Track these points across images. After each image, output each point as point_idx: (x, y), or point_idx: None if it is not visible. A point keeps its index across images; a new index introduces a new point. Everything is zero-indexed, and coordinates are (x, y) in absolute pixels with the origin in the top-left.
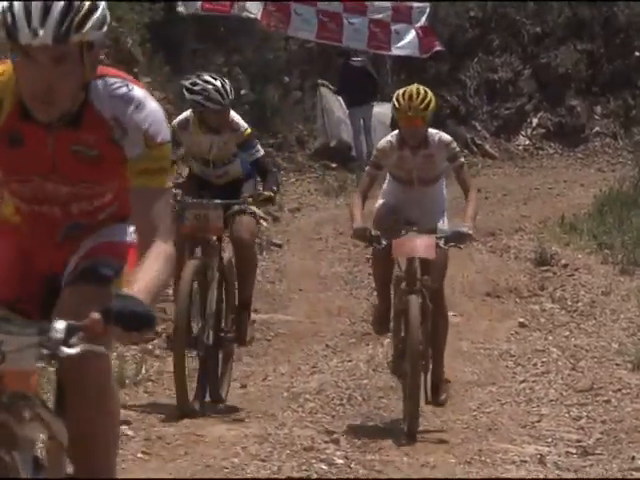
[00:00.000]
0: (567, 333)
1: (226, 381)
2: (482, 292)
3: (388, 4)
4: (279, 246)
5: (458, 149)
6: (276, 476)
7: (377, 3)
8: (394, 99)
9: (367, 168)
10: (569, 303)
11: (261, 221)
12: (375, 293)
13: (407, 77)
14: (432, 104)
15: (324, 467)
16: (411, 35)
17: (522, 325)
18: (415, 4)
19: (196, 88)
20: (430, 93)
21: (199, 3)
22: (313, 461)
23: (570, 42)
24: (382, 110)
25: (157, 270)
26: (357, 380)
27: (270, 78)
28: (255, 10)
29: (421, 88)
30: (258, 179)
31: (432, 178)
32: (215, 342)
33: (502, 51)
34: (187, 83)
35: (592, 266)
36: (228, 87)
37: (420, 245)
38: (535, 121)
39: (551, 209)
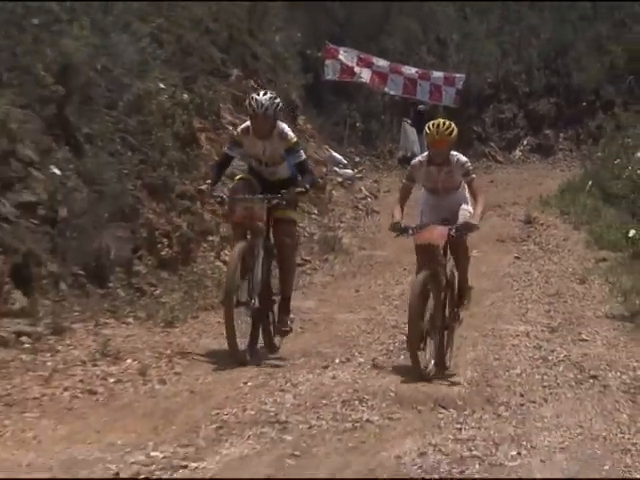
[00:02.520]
0: (542, 262)
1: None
2: (493, 239)
3: (441, 74)
4: (377, 212)
5: (471, 168)
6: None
7: (435, 73)
8: (426, 128)
9: (404, 181)
10: (544, 245)
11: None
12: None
13: (450, 116)
14: (454, 132)
15: (404, 337)
16: (450, 95)
17: (517, 258)
18: (457, 75)
19: (247, 100)
20: (453, 124)
21: (337, 74)
22: (397, 334)
23: (546, 97)
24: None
25: None
26: None
27: (374, 116)
28: (366, 77)
29: (446, 121)
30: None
31: (453, 187)
32: (262, 305)
33: (506, 101)
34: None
35: (557, 224)
36: (267, 101)
37: (434, 234)
38: (525, 142)
39: (533, 192)
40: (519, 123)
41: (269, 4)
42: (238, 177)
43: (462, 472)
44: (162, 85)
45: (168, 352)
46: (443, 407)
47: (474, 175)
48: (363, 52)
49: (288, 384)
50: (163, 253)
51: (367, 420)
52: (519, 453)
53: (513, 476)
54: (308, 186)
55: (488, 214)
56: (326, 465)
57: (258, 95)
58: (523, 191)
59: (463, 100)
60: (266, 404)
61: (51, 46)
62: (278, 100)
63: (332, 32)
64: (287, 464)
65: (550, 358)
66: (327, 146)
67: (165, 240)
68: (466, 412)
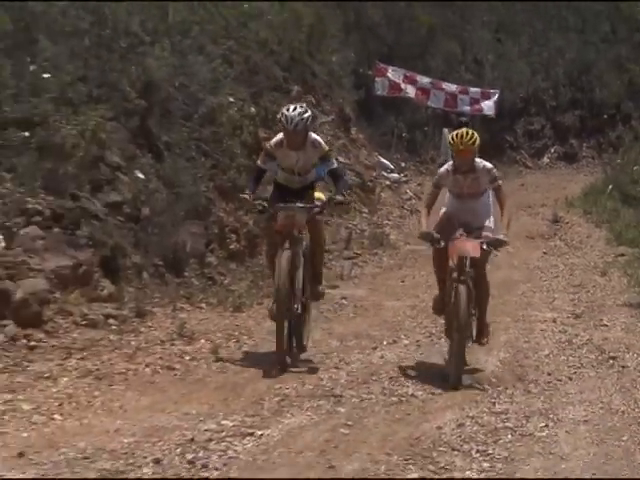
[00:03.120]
0: (567, 257)
1: (306, 333)
2: (523, 236)
3: (479, 90)
4: (420, 211)
5: (497, 174)
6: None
7: (473, 89)
8: (450, 138)
9: (431, 188)
10: (569, 242)
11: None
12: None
13: (485, 127)
14: (477, 141)
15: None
16: (489, 105)
17: (545, 253)
18: (492, 90)
19: (279, 115)
20: (475, 134)
21: (385, 90)
22: (438, 319)
23: (571, 111)
24: None
25: None
26: None
27: (418, 127)
28: (411, 92)
29: (469, 130)
30: (326, 182)
31: (478, 193)
32: (302, 310)
33: (535, 114)
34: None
35: (581, 223)
36: (297, 117)
37: (469, 247)
38: (552, 150)
39: (560, 194)
40: (547, 133)
41: (326, 29)
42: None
43: (496, 442)
44: (232, 99)
45: (236, 334)
46: (479, 383)
47: (501, 182)
48: (409, 70)
49: (342, 362)
50: (232, 247)
51: (412, 395)
52: (547, 425)
53: (539, 446)
54: (346, 195)
55: (520, 213)
56: (375, 434)
57: (288, 111)
58: (550, 193)
59: (497, 112)
60: (322, 380)
61: (136, 65)
62: (308, 114)
63: (382, 53)
64: (341, 433)
65: (574, 341)
66: (376, 153)
67: (234, 235)
68: (499, 388)
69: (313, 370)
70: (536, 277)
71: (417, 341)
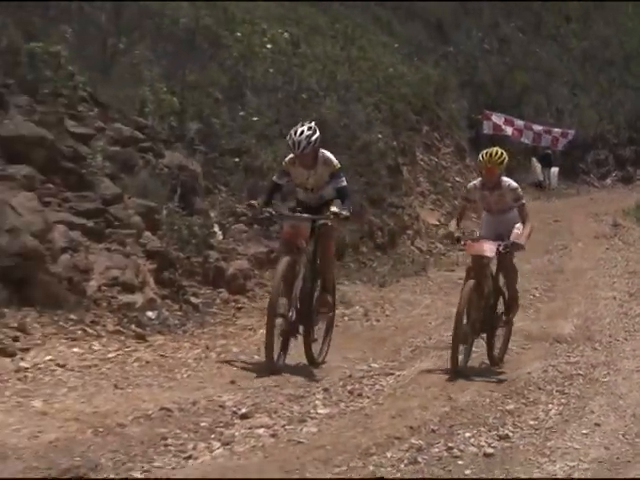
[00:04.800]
0: (624, 252)
1: (325, 347)
2: (591, 236)
3: (559, 130)
4: None
5: (522, 193)
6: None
7: (555, 129)
8: (479, 156)
9: (460, 200)
10: (625, 240)
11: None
12: None
13: (565, 158)
14: (505, 160)
15: (533, 296)
16: (564, 142)
17: (607, 248)
18: (569, 130)
19: (287, 137)
20: (505, 154)
21: (490, 130)
22: (528, 296)
23: (628, 146)
24: (554, 169)
25: None
26: None
27: (514, 156)
28: (509, 132)
29: (498, 149)
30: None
31: (505, 209)
32: (297, 318)
33: (601, 148)
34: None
35: (634, 227)
36: (304, 140)
37: (485, 247)
38: (613, 174)
39: (618, 207)
40: (609, 162)
41: (448, 85)
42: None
43: (571, 384)
44: (380, 136)
45: (381, 302)
46: (558, 342)
47: (524, 201)
48: (507, 116)
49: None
50: (378, 240)
51: (508, 349)
52: (608, 372)
53: (603, 388)
54: (350, 212)
55: (588, 220)
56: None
57: (295, 134)
58: (611, 206)
59: (573, 146)
60: (443, 336)
61: (313, 112)
62: (315, 136)
63: (488, 103)
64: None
65: (629, 313)
66: None
67: (379, 232)
68: (573, 345)
69: (436, 328)
70: (600, 266)
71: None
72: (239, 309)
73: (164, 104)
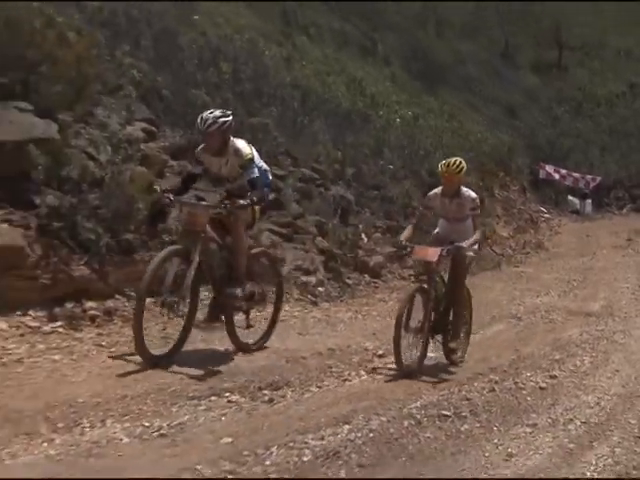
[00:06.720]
0: (635, 257)
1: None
2: (611, 246)
3: (590, 176)
4: (559, 233)
5: (479, 203)
6: None
7: (588, 176)
8: (439, 166)
9: (420, 208)
10: (636, 250)
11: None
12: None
13: (595, 195)
14: (463, 169)
15: (574, 283)
16: (594, 185)
17: (623, 255)
18: (598, 177)
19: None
20: (463, 164)
21: (544, 176)
22: (572, 282)
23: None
24: (588, 201)
25: None
26: None
27: (560, 194)
28: (557, 177)
29: (457, 159)
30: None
31: (462, 217)
32: (191, 309)
33: (619, 189)
34: None
35: None
36: (211, 119)
37: (429, 252)
38: (628, 206)
39: (632, 227)
40: (625, 198)
41: (516, 146)
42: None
43: (598, 343)
44: (470, 178)
45: (469, 286)
46: (589, 315)
47: (479, 211)
48: (556, 166)
49: (519, 300)
50: None
51: (555, 320)
52: (624, 336)
53: (621, 347)
54: (255, 199)
55: (610, 236)
56: (538, 336)
57: (204, 113)
58: (626, 227)
59: (600, 187)
60: (511, 309)
61: (427, 163)
62: (225, 119)
63: (543, 158)
64: (521, 335)
65: (639, 298)
66: (539, 206)
67: None
68: (600, 318)
69: (507, 304)
70: (618, 266)
71: (558, 294)
72: (376, 288)
73: (331, 157)
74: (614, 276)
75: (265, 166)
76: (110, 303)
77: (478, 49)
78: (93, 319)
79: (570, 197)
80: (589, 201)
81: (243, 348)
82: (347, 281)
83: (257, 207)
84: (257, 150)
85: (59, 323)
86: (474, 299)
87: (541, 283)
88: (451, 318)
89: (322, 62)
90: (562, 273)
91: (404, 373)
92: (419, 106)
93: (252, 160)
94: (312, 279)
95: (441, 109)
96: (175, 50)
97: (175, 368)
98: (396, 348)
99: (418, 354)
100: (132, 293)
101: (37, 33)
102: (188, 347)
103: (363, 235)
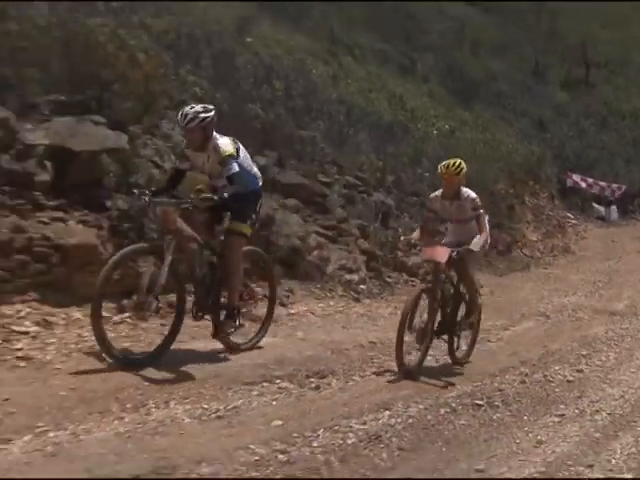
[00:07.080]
0: None
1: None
2: (635, 251)
3: (616, 185)
4: (585, 237)
5: (480, 204)
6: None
7: (614, 185)
8: (438, 167)
9: (425, 211)
10: None
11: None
12: None
13: (619, 203)
14: (463, 171)
15: (599, 284)
16: (620, 192)
17: None
18: (623, 185)
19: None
20: (463, 165)
21: (571, 184)
22: (598, 282)
23: None
24: (613, 207)
25: None
26: None
27: (586, 201)
28: (584, 185)
29: (457, 160)
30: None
31: (464, 219)
32: (178, 308)
33: None
34: None
35: None
36: (191, 114)
37: (438, 252)
38: None
39: None
40: None
41: (545, 157)
42: (197, 187)
43: (622, 340)
44: (502, 186)
45: (501, 286)
46: (614, 314)
47: (482, 211)
48: (583, 175)
49: (547, 300)
50: (499, 248)
51: (582, 318)
52: None
53: None
54: (225, 195)
55: (633, 241)
56: (565, 333)
57: (185, 108)
58: None
59: (625, 195)
60: (540, 307)
61: None
62: (205, 114)
63: (569, 167)
64: (549, 331)
65: None
66: (566, 212)
67: (500, 244)
68: (624, 317)
69: (535, 303)
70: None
71: (585, 294)
72: (413, 286)
73: (373, 165)
74: (638, 278)
75: (255, 170)
76: (172, 297)
77: (510, 67)
78: (157, 311)
79: (595, 205)
80: (614, 207)
81: (232, 348)
82: (387, 279)
83: (248, 221)
84: (299, 159)
85: (127, 314)
86: (505, 297)
87: (568, 284)
88: (462, 314)
89: (365, 80)
90: (588, 275)
91: (404, 373)
92: (454, 119)
93: (231, 157)
94: (355, 277)
95: (475, 122)
96: (232, 69)
97: (229, 357)
98: (398, 348)
99: (419, 355)
100: (191, 289)
101: (110, 55)
102: (239, 339)
103: (403, 237)
